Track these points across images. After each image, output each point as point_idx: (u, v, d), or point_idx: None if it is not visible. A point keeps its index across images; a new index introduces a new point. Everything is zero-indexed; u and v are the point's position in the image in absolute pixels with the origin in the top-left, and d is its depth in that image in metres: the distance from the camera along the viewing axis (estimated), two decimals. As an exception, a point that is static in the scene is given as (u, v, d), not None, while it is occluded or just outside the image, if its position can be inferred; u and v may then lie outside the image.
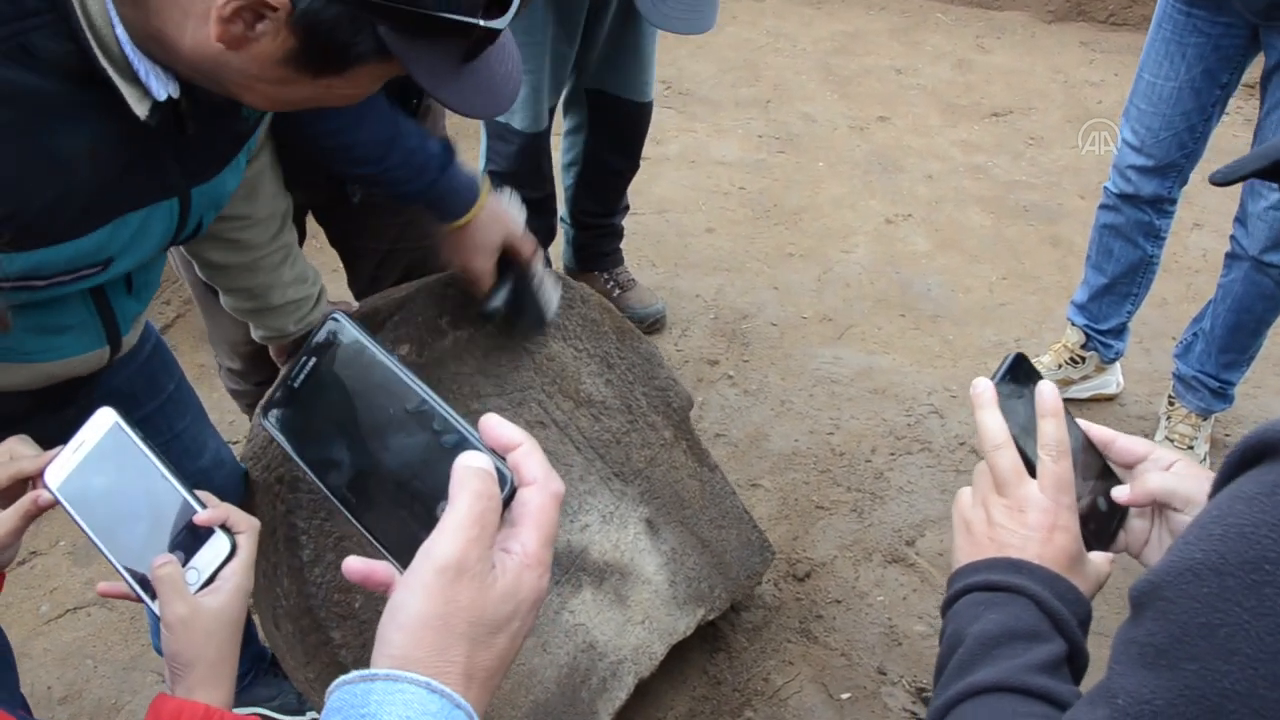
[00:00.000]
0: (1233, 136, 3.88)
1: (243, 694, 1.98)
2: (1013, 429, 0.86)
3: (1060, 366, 2.83)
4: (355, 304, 1.81)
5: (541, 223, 2.82)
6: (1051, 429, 0.85)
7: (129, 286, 1.27)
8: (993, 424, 0.86)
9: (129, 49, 0.94)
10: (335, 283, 2.33)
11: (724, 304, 3.27)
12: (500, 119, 2.54)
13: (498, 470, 0.63)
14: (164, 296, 3.18)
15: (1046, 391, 0.87)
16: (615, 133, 2.83)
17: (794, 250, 3.56)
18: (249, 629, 1.79)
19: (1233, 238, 2.41)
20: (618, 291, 3.10)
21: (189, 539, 0.94)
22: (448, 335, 1.78)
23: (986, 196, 3.89)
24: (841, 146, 4.22)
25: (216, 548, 0.94)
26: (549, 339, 1.92)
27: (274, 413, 0.68)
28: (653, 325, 3.10)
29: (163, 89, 0.98)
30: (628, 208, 3.09)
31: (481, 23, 0.95)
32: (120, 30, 0.93)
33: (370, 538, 0.65)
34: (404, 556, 0.62)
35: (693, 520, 2.05)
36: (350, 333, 0.68)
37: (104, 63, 0.94)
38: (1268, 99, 2.23)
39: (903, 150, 4.20)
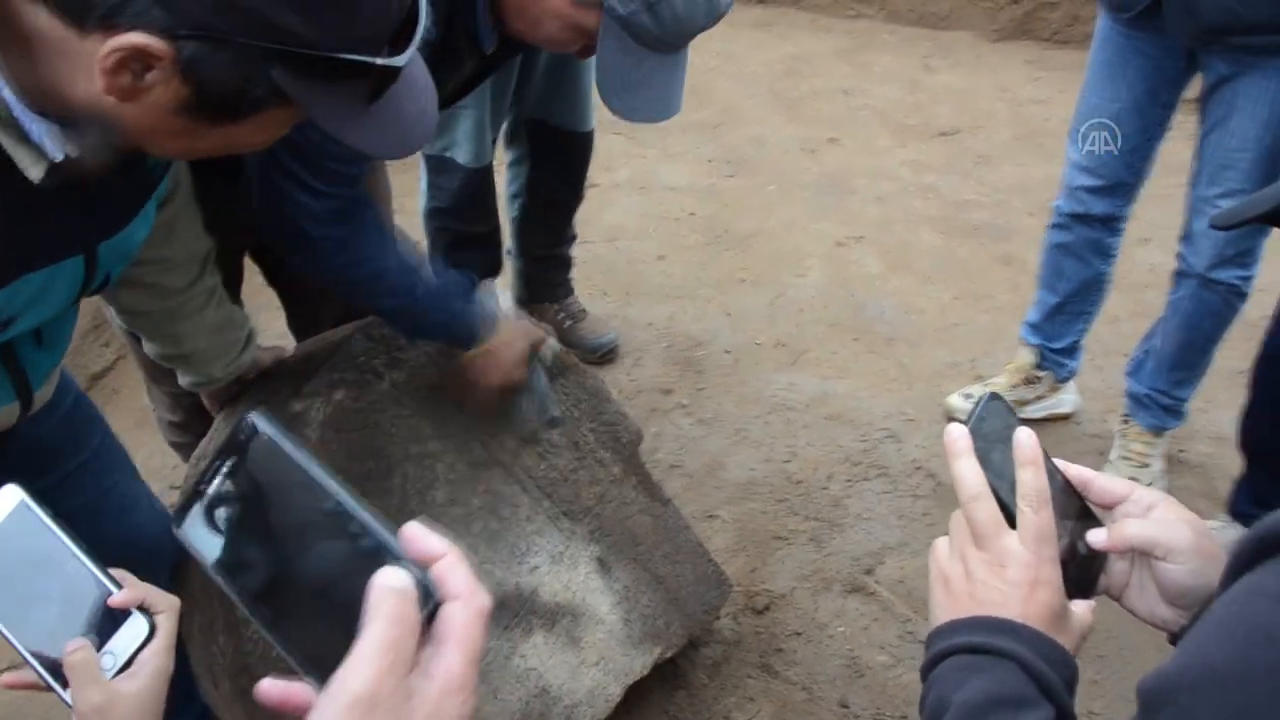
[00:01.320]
0: (1175, 153, 3.92)
1: (185, 753, 1.91)
2: (989, 475, 0.82)
3: (1014, 387, 2.82)
4: (289, 348, 1.76)
5: (487, 256, 2.78)
6: (1030, 478, 0.81)
7: (38, 340, 1.22)
8: (969, 473, 0.82)
9: (18, 111, 0.89)
10: (276, 320, 2.27)
11: (677, 332, 3.24)
12: (446, 153, 2.49)
13: (420, 584, 0.58)
14: (103, 339, 3.10)
15: (1024, 439, 0.83)
16: (559, 164, 2.80)
17: (746, 275, 3.54)
18: (191, 686, 1.73)
19: (1179, 255, 2.41)
20: (569, 323, 3.06)
21: (104, 621, 0.89)
22: (384, 378, 1.74)
23: (936, 216, 3.90)
24: (792, 169, 4.22)
25: (134, 629, 0.89)
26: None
27: (188, 521, 0.63)
28: (605, 356, 3.06)
29: (59, 149, 0.92)
30: (575, 237, 3.05)
31: (379, 61, 0.91)
32: (7, 92, 0.88)
33: (286, 654, 0.60)
34: (322, 673, 0.57)
35: (646, 556, 2.01)
36: (267, 431, 0.62)
37: None
38: (1207, 118, 2.24)
39: (853, 171, 4.20)
